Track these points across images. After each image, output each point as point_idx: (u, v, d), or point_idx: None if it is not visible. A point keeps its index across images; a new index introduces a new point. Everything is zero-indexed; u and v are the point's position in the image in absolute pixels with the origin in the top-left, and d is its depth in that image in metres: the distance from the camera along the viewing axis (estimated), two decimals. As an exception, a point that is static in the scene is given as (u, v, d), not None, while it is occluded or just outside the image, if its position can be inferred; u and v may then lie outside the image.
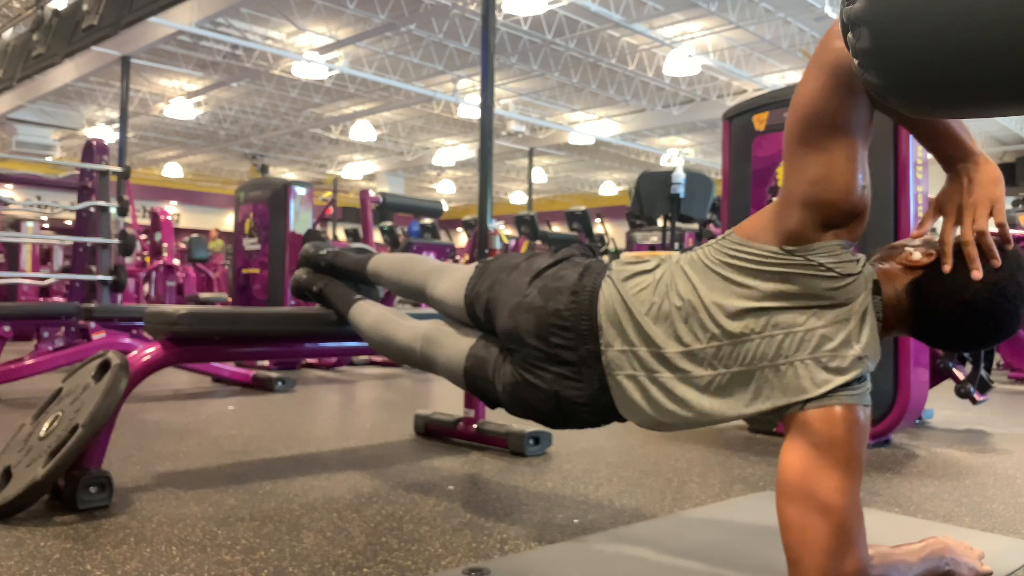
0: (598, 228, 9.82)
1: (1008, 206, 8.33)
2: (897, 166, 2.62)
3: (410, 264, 1.91)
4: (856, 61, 0.95)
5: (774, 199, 1.27)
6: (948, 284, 1.17)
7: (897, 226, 2.62)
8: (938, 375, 2.97)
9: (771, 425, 1.28)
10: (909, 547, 1.30)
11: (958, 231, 1.18)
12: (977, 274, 1.13)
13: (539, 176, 18.55)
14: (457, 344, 1.59)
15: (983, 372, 2.98)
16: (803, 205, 1.18)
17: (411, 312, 2.01)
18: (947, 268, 1.17)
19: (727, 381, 1.25)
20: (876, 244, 2.71)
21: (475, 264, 1.66)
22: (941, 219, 1.24)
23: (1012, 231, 5.30)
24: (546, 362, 1.37)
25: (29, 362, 3.69)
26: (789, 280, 1.20)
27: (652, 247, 7.31)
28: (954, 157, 1.21)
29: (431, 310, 1.86)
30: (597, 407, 1.37)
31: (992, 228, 1.19)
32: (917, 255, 1.21)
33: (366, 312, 1.95)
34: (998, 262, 1.15)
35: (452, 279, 1.68)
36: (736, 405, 1.25)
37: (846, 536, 1.11)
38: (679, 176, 5.23)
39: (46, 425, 1.86)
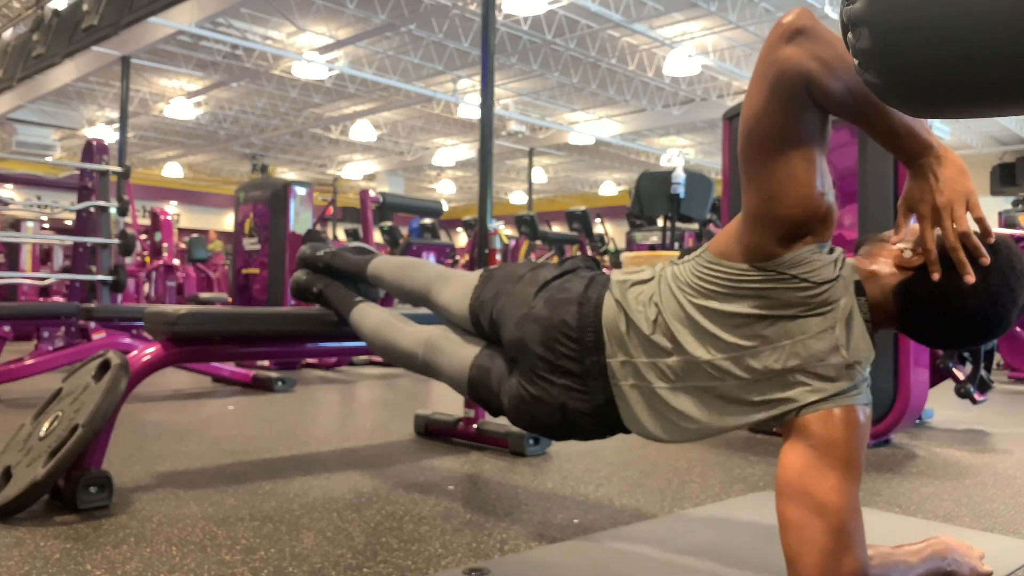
0: (598, 228, 9.82)
1: (1008, 206, 8.33)
2: (897, 165, 2.62)
3: (411, 269, 1.90)
4: (856, 61, 0.95)
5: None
6: (938, 289, 1.15)
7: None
8: (938, 375, 2.97)
9: (770, 426, 1.26)
10: (910, 547, 1.30)
11: (938, 232, 1.15)
12: (969, 279, 1.11)
13: (539, 176, 18.55)
14: (461, 352, 1.59)
15: (983, 372, 2.98)
16: (762, 222, 1.17)
17: (410, 313, 2.00)
18: (936, 276, 1.14)
19: (719, 394, 1.25)
20: (876, 231, 2.71)
21: (479, 272, 1.65)
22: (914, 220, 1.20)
23: (1012, 231, 5.30)
24: (551, 373, 1.37)
25: (29, 362, 3.69)
26: (764, 295, 1.19)
27: (652, 247, 7.31)
28: (915, 153, 1.15)
29: (429, 312, 1.86)
30: (603, 419, 1.36)
31: (972, 224, 1.16)
32: (908, 254, 1.19)
33: (367, 315, 1.94)
34: (987, 260, 1.13)
35: (456, 287, 1.68)
36: (732, 416, 1.25)
37: (844, 536, 1.11)
38: (679, 176, 5.23)
39: (46, 425, 1.86)
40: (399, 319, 1.85)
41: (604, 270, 1.52)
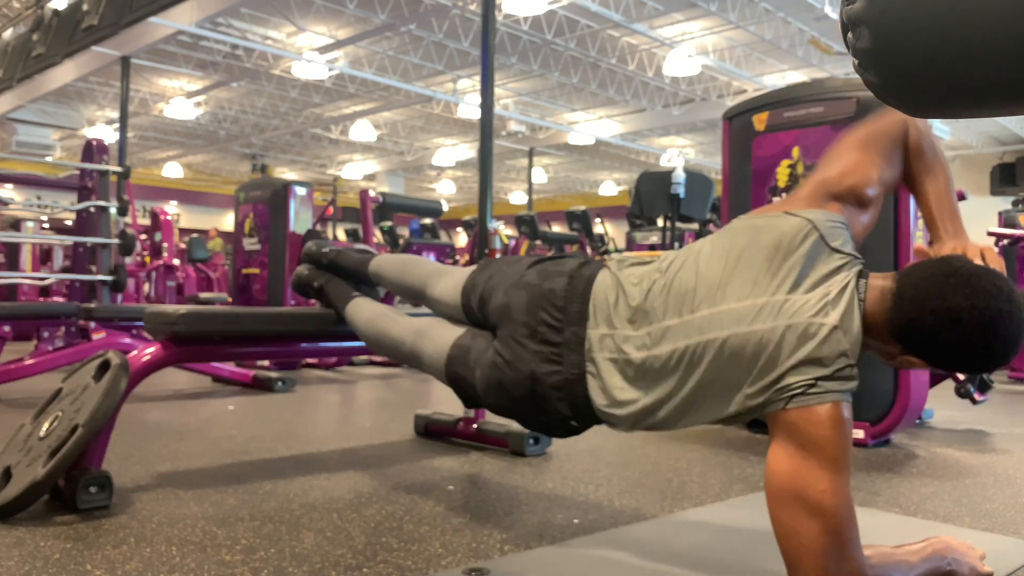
0: (598, 228, 9.82)
1: (1008, 206, 8.33)
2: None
3: (411, 265, 1.92)
4: (856, 61, 0.95)
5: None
6: (937, 266, 1.17)
7: (897, 226, 2.62)
8: (938, 375, 2.97)
9: (753, 413, 1.26)
10: (910, 547, 1.30)
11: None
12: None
13: (539, 176, 18.54)
14: (445, 335, 1.61)
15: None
16: (821, 177, 1.34)
17: (409, 312, 2.01)
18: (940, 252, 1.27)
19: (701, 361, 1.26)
20: (876, 244, 2.72)
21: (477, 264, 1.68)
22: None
23: (1012, 231, 5.29)
24: (529, 339, 1.39)
25: (29, 362, 3.69)
26: (784, 236, 1.25)
27: (652, 247, 7.32)
28: (950, 232, 1.36)
29: (428, 311, 1.87)
30: (572, 397, 1.37)
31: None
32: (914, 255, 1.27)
33: (362, 308, 1.97)
34: (1002, 263, 1.22)
35: (452, 279, 1.70)
36: (711, 398, 1.26)
37: (841, 538, 1.11)
38: (679, 176, 5.23)
39: (46, 425, 1.86)
40: (394, 312, 1.88)
41: None
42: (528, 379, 1.38)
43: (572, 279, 1.41)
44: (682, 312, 1.29)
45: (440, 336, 1.62)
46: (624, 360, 1.32)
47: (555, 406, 1.39)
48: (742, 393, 1.22)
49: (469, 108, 12.28)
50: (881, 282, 1.21)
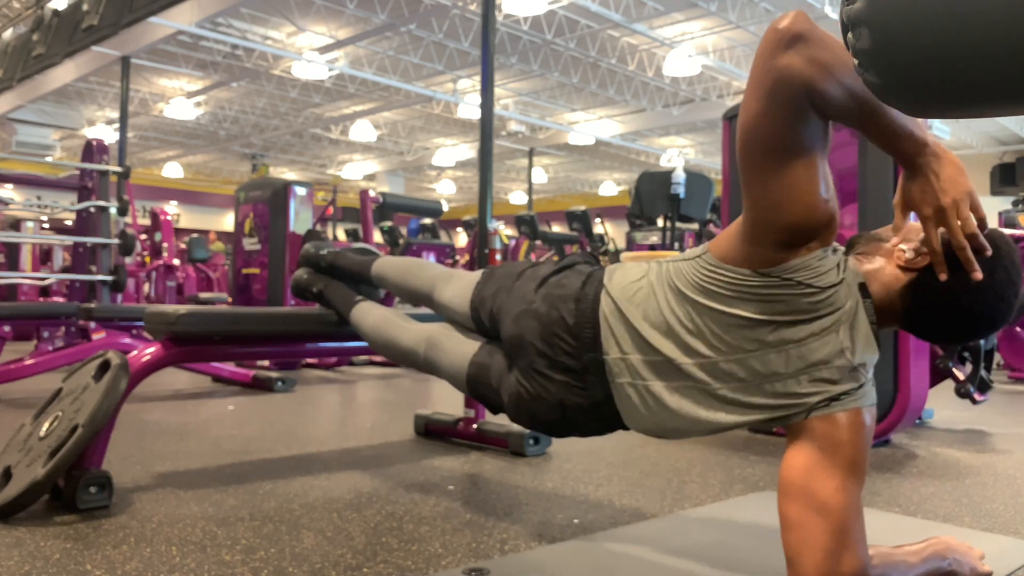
0: (598, 228, 9.82)
1: (1008, 206, 8.33)
2: (897, 164, 2.62)
3: (415, 269, 1.91)
4: (856, 61, 0.95)
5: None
6: (948, 288, 1.15)
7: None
8: (938, 375, 2.97)
9: (770, 426, 1.25)
10: (910, 547, 1.30)
11: (942, 232, 1.13)
12: (978, 275, 1.11)
13: (539, 176, 18.54)
14: (461, 349, 1.59)
15: (983, 372, 2.98)
16: (764, 229, 1.15)
17: (410, 313, 2.00)
18: (943, 277, 1.13)
19: (718, 394, 1.24)
20: (876, 228, 2.70)
21: (481, 271, 1.67)
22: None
23: (1012, 231, 5.30)
24: (550, 369, 1.37)
25: (29, 362, 3.69)
26: (769, 300, 1.18)
27: (652, 247, 7.31)
28: (914, 152, 1.12)
29: (429, 311, 1.87)
30: (602, 415, 1.36)
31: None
32: (910, 255, 1.18)
33: (368, 314, 1.95)
34: (989, 251, 1.12)
35: (458, 285, 1.69)
36: (733, 415, 1.24)
37: (846, 536, 1.11)
38: (679, 176, 5.23)
39: (46, 425, 1.86)
40: (401, 317, 1.86)
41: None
42: (558, 407, 1.37)
43: (579, 303, 1.36)
44: (687, 353, 1.26)
45: (455, 350, 1.60)
46: (644, 387, 1.29)
47: (588, 425, 1.40)
48: (752, 404, 1.22)
49: (469, 108, 12.28)
50: (884, 289, 1.20)
